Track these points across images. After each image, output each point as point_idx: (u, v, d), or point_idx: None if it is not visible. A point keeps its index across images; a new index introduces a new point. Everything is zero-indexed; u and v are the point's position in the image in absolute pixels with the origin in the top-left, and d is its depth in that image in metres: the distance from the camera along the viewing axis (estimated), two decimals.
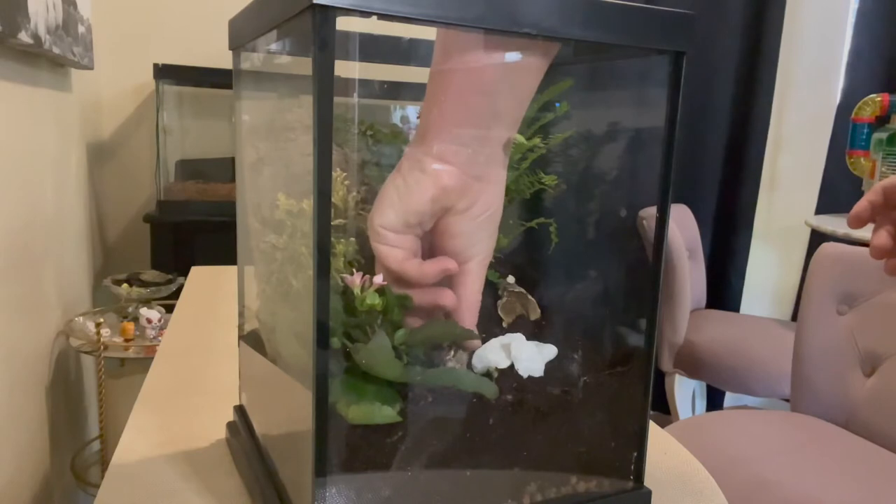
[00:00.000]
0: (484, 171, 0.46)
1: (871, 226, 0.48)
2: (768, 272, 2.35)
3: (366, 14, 0.33)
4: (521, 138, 0.53)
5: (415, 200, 0.45)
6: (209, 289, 1.12)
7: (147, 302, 1.60)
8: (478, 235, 0.47)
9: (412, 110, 0.61)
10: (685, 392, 1.96)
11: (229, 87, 0.55)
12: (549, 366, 0.47)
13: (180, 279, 1.64)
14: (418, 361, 0.45)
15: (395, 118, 0.59)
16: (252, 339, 0.56)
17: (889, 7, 2.05)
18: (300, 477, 0.41)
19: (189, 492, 0.52)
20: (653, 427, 0.65)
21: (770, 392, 1.75)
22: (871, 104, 1.88)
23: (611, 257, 0.54)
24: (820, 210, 2.17)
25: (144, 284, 1.63)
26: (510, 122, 0.46)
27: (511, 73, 0.44)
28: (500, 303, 0.56)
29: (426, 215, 0.46)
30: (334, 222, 0.47)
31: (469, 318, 0.47)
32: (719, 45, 2.18)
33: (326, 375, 0.37)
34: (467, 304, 0.47)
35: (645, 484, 0.49)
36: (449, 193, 0.45)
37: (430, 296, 0.46)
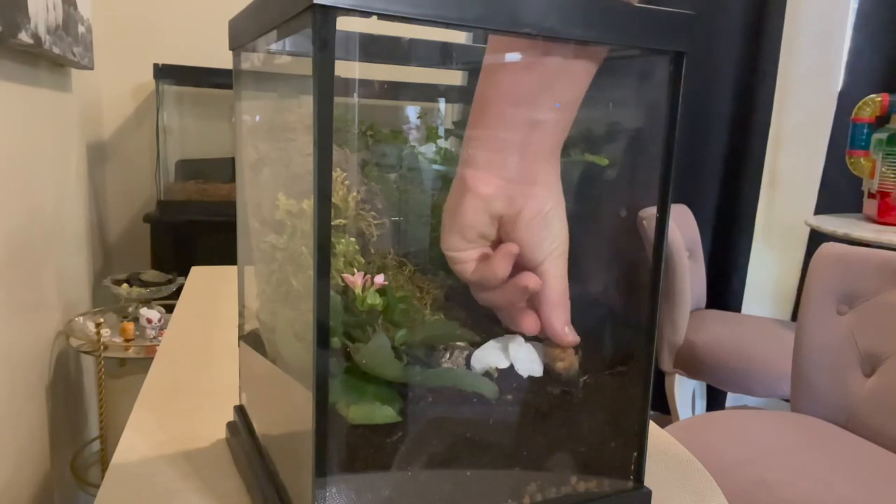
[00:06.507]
0: (527, 173, 0.45)
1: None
2: (768, 272, 2.35)
3: (366, 14, 0.33)
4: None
5: (463, 216, 0.45)
6: (209, 289, 1.12)
7: (147, 302, 1.60)
8: (540, 236, 0.45)
9: (412, 110, 0.61)
10: (685, 392, 1.96)
11: (229, 87, 0.55)
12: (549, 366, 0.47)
13: (180, 279, 1.64)
14: (418, 361, 0.45)
15: (399, 120, 0.59)
16: (252, 339, 0.56)
17: (889, 7, 2.05)
18: (300, 477, 0.41)
19: (189, 492, 0.52)
20: (653, 427, 0.65)
21: (770, 392, 1.75)
22: (871, 104, 1.88)
23: (610, 257, 0.54)
24: (820, 210, 2.17)
25: (144, 284, 1.63)
26: (555, 126, 0.45)
27: (552, 82, 0.43)
28: None
29: (481, 227, 0.46)
30: (334, 222, 0.47)
31: (557, 317, 0.46)
32: (719, 45, 2.18)
33: (326, 375, 0.37)
34: (551, 303, 0.46)
35: (645, 484, 0.49)
36: (491, 201, 0.45)
37: (513, 285, 0.45)
